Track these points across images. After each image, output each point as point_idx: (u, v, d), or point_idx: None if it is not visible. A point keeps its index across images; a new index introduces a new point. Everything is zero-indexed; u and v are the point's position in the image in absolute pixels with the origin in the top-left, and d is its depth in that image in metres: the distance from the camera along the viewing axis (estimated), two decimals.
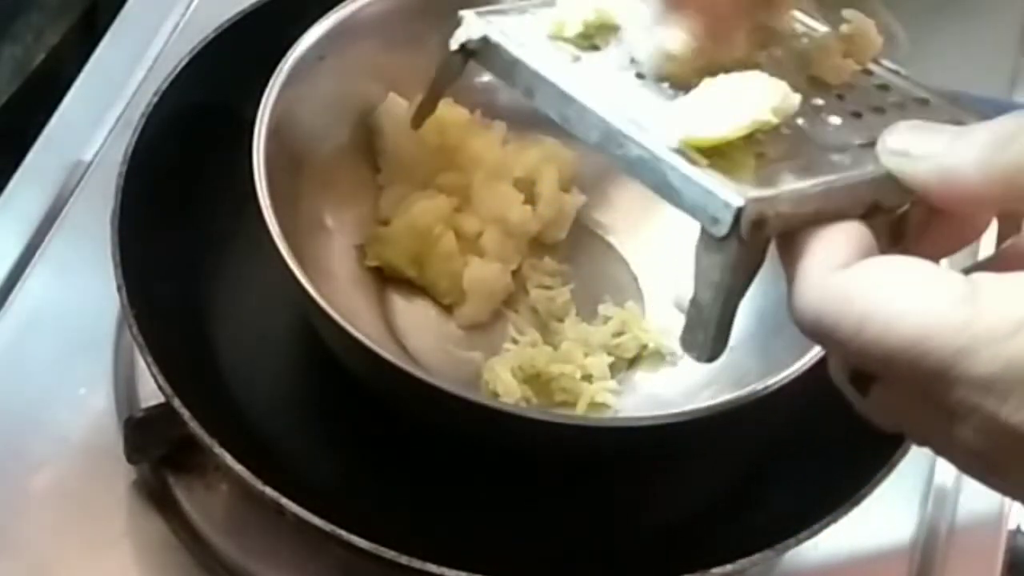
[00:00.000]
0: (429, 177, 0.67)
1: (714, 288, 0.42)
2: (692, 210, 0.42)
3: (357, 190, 0.67)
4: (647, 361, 0.64)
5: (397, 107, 0.67)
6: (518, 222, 0.66)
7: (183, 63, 0.66)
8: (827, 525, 0.56)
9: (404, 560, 0.52)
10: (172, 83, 0.65)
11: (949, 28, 0.91)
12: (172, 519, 0.63)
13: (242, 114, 0.60)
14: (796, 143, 0.44)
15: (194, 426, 0.54)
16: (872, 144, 0.42)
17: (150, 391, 0.62)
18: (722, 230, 0.41)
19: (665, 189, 0.43)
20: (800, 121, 0.45)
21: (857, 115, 0.46)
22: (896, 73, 0.50)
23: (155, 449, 0.63)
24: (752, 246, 0.41)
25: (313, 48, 0.63)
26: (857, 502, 0.56)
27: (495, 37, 0.52)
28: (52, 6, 0.86)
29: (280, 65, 0.62)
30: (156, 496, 0.64)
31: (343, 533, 0.52)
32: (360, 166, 0.68)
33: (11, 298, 0.70)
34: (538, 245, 0.68)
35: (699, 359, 0.45)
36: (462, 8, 0.65)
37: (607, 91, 0.47)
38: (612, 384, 0.63)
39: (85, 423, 0.66)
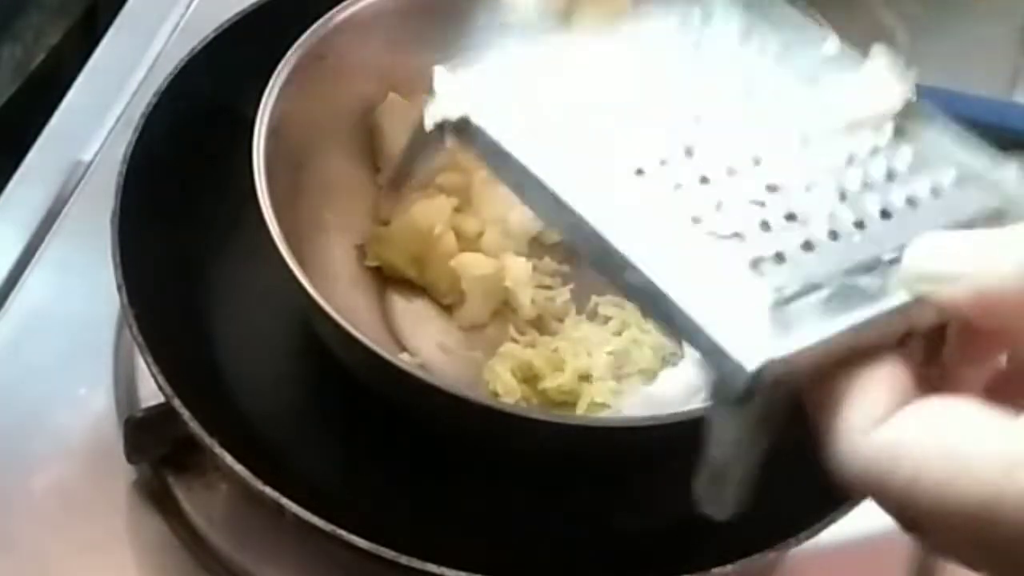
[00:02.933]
0: (429, 177, 0.67)
1: (732, 447, 0.38)
2: (702, 356, 0.36)
3: (357, 190, 0.67)
4: (647, 361, 0.64)
5: (397, 107, 0.67)
6: (518, 222, 0.66)
7: (183, 63, 0.65)
8: (827, 525, 0.56)
9: (404, 560, 0.52)
10: (172, 83, 0.65)
11: (949, 28, 0.91)
12: (172, 519, 0.63)
13: (242, 114, 0.60)
14: (817, 266, 0.37)
15: (194, 426, 0.54)
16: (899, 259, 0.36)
17: (150, 391, 0.62)
18: (736, 394, 0.35)
19: (670, 327, 0.36)
20: (824, 228, 0.37)
21: (886, 214, 0.38)
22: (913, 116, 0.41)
23: (155, 449, 0.63)
24: (772, 403, 0.36)
25: (313, 48, 0.63)
26: (857, 502, 0.56)
27: (476, 119, 0.41)
28: (52, 6, 0.86)
29: (280, 65, 0.62)
30: (156, 496, 0.64)
31: (343, 533, 0.52)
32: (360, 166, 0.68)
33: (11, 298, 0.70)
34: (538, 245, 0.68)
35: (718, 517, 0.40)
36: (462, 8, 0.65)
37: (612, 193, 0.38)
38: (612, 384, 0.63)
39: (85, 423, 0.66)
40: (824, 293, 0.36)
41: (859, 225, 0.37)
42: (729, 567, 0.54)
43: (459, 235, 0.65)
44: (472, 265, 0.65)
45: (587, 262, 0.39)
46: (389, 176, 0.57)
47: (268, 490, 0.53)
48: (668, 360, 0.65)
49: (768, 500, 0.62)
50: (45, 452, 0.65)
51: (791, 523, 0.56)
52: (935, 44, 0.87)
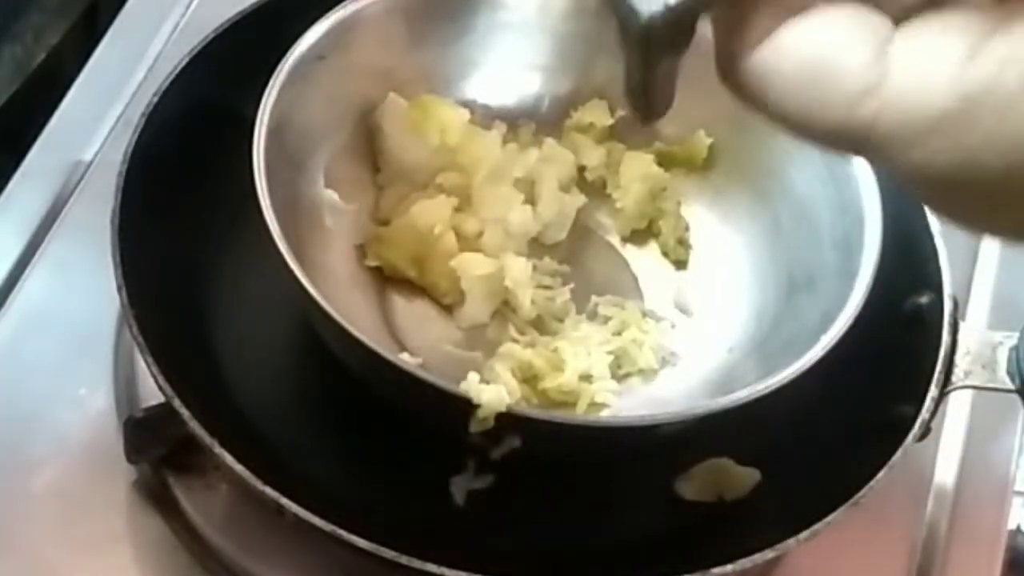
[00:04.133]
0: (429, 177, 0.67)
1: (641, 73, 0.37)
2: None
3: (357, 190, 0.67)
4: (647, 361, 0.64)
5: (397, 107, 0.67)
6: (518, 222, 0.66)
7: (183, 63, 0.66)
8: (827, 525, 0.56)
9: (404, 560, 0.52)
10: (172, 83, 0.65)
11: None
12: (172, 519, 0.63)
13: (242, 114, 0.60)
14: None
15: (194, 426, 0.55)
16: None
17: (150, 391, 0.62)
18: (635, 32, 0.35)
19: None
20: None
21: None
22: None
23: (155, 449, 0.63)
24: (675, 29, 0.35)
25: (313, 48, 0.63)
26: (857, 502, 0.56)
27: None
28: (52, 6, 0.86)
29: (280, 65, 0.62)
30: (156, 496, 0.64)
31: (343, 533, 0.52)
32: (360, 166, 0.68)
33: (11, 298, 0.70)
34: (538, 245, 0.68)
35: (647, 120, 0.39)
36: (462, 8, 0.65)
37: None
38: (612, 384, 0.63)
39: (85, 423, 0.66)
40: None
41: None
42: (729, 567, 0.54)
43: (459, 235, 0.65)
44: (472, 265, 0.65)
45: None
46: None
47: (268, 490, 0.53)
48: (668, 360, 0.65)
49: (768, 500, 0.62)
50: (45, 452, 0.65)
51: (791, 523, 0.56)
52: None
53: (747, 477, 0.62)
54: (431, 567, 0.52)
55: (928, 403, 0.60)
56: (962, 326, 0.62)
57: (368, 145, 0.68)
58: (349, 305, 0.61)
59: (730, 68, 0.35)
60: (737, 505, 0.62)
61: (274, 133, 0.60)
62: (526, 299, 0.65)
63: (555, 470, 0.62)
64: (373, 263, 0.66)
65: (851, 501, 0.56)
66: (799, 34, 0.33)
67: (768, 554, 0.55)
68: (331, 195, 0.66)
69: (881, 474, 0.57)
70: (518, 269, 0.65)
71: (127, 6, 0.85)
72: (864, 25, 0.33)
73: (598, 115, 0.70)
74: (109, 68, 0.82)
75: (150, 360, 0.56)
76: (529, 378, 0.62)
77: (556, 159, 0.68)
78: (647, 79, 0.38)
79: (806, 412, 0.60)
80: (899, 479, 0.57)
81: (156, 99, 0.64)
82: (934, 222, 0.64)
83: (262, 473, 0.53)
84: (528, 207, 0.67)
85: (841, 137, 0.33)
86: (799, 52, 0.33)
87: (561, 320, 0.66)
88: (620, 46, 0.37)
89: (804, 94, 0.33)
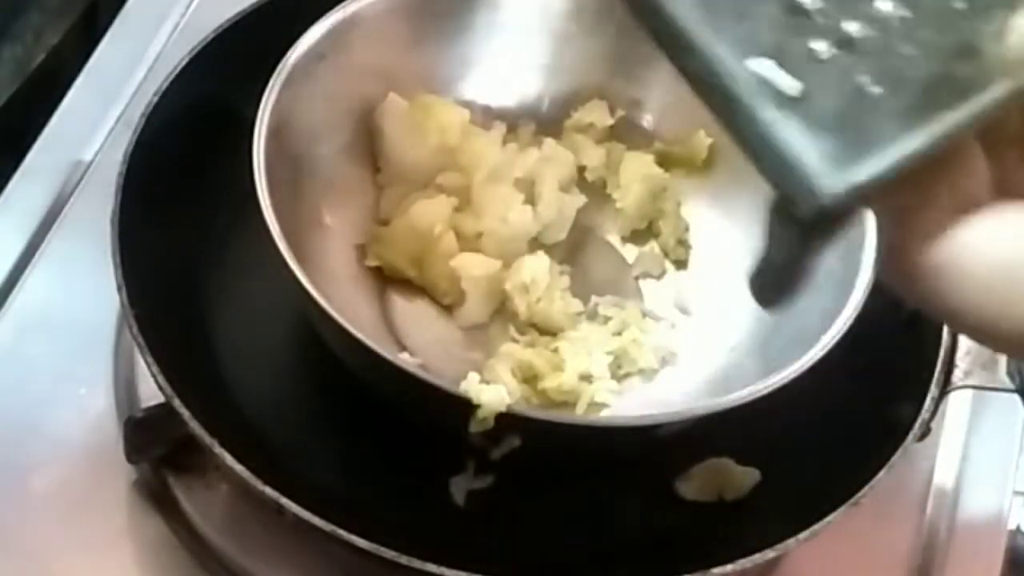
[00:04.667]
0: (429, 177, 0.67)
1: (790, 251, 0.35)
2: (773, 176, 0.33)
3: (357, 190, 0.67)
4: (647, 361, 0.64)
5: (397, 107, 0.67)
6: (518, 222, 0.66)
7: (183, 63, 0.66)
8: (827, 525, 0.56)
9: (404, 560, 0.52)
10: (172, 83, 0.65)
11: None
12: (172, 519, 0.63)
13: (242, 114, 0.60)
14: (902, 51, 0.33)
15: (194, 426, 0.55)
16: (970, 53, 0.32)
17: (150, 391, 0.62)
18: (805, 214, 0.33)
19: (750, 141, 0.34)
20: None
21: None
22: None
23: (155, 449, 0.63)
24: (836, 223, 0.33)
25: (313, 48, 0.63)
26: (857, 502, 0.56)
27: None
28: (52, 6, 0.86)
29: (280, 65, 0.62)
30: (156, 496, 0.64)
31: (343, 533, 0.52)
32: (360, 166, 0.68)
33: (11, 298, 0.70)
34: (538, 245, 0.68)
35: (767, 307, 0.38)
36: (462, 8, 0.65)
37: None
38: (612, 384, 0.63)
39: (85, 423, 0.66)
40: (911, 88, 0.32)
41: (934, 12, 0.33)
42: (729, 567, 0.54)
43: (459, 235, 0.65)
44: (472, 265, 0.65)
45: (685, 75, 0.35)
46: None
47: (268, 490, 0.53)
48: (668, 360, 0.65)
49: (768, 500, 0.62)
50: (45, 452, 0.65)
51: (791, 523, 0.56)
52: None
53: (747, 477, 0.62)
54: (431, 567, 0.52)
55: (928, 403, 0.60)
56: None
57: (368, 145, 0.68)
58: (349, 305, 0.61)
59: (901, 262, 0.33)
60: (737, 505, 0.62)
61: (274, 133, 0.60)
62: (524, 300, 0.65)
63: (555, 470, 0.62)
64: (373, 263, 0.66)
65: (851, 501, 0.56)
66: (988, 233, 0.32)
67: (768, 554, 0.55)
68: (331, 195, 0.66)
69: (881, 474, 0.57)
70: (537, 264, 0.65)
71: (127, 6, 0.85)
72: None
73: (598, 115, 0.70)
74: (109, 68, 0.82)
75: (150, 360, 0.56)
76: (529, 378, 0.62)
77: (556, 159, 0.68)
78: (797, 261, 0.35)
79: (806, 412, 0.60)
80: (899, 479, 0.58)
81: (156, 99, 0.64)
82: None
83: (262, 473, 0.53)
84: (528, 207, 0.67)
85: None
86: (993, 253, 0.32)
87: (561, 320, 0.66)
88: (772, 219, 0.34)
89: (997, 296, 0.32)
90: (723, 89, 0.34)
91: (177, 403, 0.55)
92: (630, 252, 0.70)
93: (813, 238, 0.34)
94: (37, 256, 0.72)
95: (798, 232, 0.34)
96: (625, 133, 0.70)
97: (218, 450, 0.54)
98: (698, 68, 0.34)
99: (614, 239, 0.70)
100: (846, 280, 0.59)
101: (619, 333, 0.65)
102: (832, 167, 0.32)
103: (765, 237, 0.35)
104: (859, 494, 0.56)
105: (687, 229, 0.70)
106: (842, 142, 0.32)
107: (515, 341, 0.64)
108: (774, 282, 0.36)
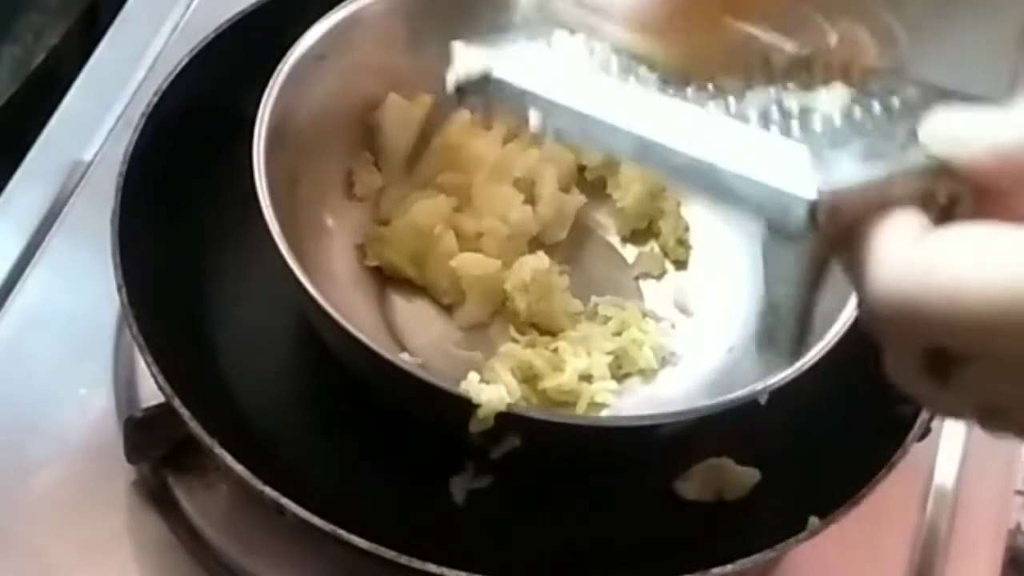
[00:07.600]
0: (429, 177, 0.67)
1: (792, 285, 0.40)
2: (757, 210, 0.40)
3: (357, 190, 0.67)
4: (647, 361, 0.64)
5: (397, 107, 0.67)
6: (518, 222, 0.66)
7: (183, 63, 0.66)
8: (827, 525, 0.56)
9: (404, 560, 0.52)
10: (172, 83, 0.65)
11: (949, 28, 0.91)
12: (172, 519, 0.63)
13: (242, 114, 0.60)
14: (848, 131, 0.42)
15: (194, 426, 0.55)
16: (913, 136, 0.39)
17: (150, 391, 0.62)
18: (798, 225, 0.38)
19: (719, 192, 0.41)
20: (850, 113, 0.43)
21: (888, 110, 0.43)
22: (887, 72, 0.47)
23: (155, 449, 0.63)
24: (827, 238, 0.39)
25: (313, 48, 0.63)
26: (857, 502, 0.56)
27: (496, 73, 0.48)
28: (52, 6, 0.86)
29: (280, 65, 0.62)
30: (156, 496, 0.64)
31: (343, 533, 0.52)
32: (360, 166, 0.68)
33: (11, 298, 0.70)
34: (538, 245, 0.68)
35: (780, 359, 0.43)
36: (462, 8, 0.65)
37: (631, 106, 0.44)
38: (612, 384, 0.63)
39: (85, 423, 0.66)
40: (855, 149, 0.40)
41: (875, 113, 0.43)
42: (729, 567, 0.54)
43: (459, 235, 0.65)
44: (472, 265, 0.65)
45: (629, 160, 0.44)
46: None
47: (268, 490, 0.53)
48: (668, 360, 0.65)
49: (768, 500, 0.62)
50: (45, 452, 0.65)
51: (791, 523, 0.56)
52: (935, 44, 0.87)
53: (747, 477, 0.62)
54: (431, 567, 0.52)
55: None
56: None
57: (368, 145, 0.68)
58: (349, 305, 0.61)
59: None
60: (737, 505, 0.62)
61: (274, 133, 0.60)
62: (524, 300, 0.65)
63: (555, 470, 0.62)
64: (373, 263, 0.66)
65: (851, 501, 0.56)
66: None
67: (768, 554, 0.55)
68: (331, 195, 0.66)
69: (881, 474, 0.57)
70: (537, 262, 0.65)
71: (127, 6, 0.85)
72: None
73: None
74: (109, 68, 0.82)
75: (150, 360, 0.56)
76: (529, 378, 0.62)
77: (556, 159, 0.68)
78: (801, 292, 0.40)
79: (806, 412, 0.60)
80: (899, 479, 0.57)
81: (156, 99, 0.64)
82: None
83: (262, 473, 0.53)
84: (528, 207, 0.67)
85: None
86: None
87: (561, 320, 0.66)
88: (768, 248, 0.40)
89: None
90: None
91: (177, 403, 0.55)
92: (630, 252, 0.70)
93: (804, 248, 0.39)
94: (37, 256, 0.72)
95: (792, 246, 0.39)
96: None
97: (218, 450, 0.54)
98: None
99: (614, 239, 0.70)
100: (845, 280, 0.59)
101: (619, 333, 0.65)
102: (810, 185, 0.38)
103: (763, 285, 0.40)
104: (859, 494, 0.56)
105: (687, 229, 0.70)
106: (813, 174, 0.39)
107: (515, 341, 0.64)
108: (785, 327, 0.40)
